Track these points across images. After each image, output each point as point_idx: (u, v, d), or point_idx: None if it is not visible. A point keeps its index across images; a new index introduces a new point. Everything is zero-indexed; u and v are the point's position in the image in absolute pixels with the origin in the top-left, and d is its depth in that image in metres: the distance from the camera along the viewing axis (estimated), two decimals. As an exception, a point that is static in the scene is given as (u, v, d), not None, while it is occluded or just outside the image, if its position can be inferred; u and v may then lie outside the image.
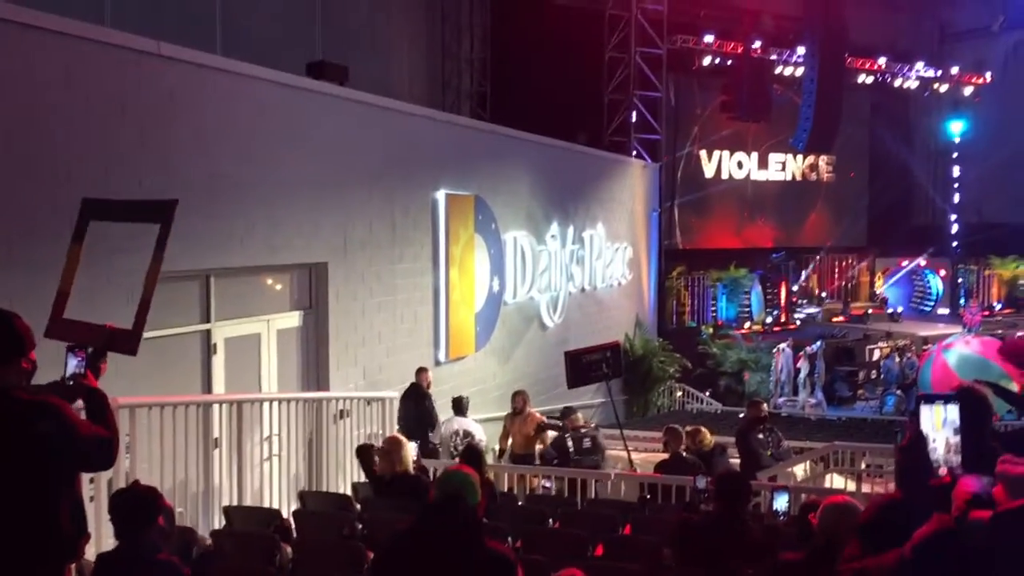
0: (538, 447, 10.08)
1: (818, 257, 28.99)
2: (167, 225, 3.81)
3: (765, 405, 10.05)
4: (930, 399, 1.55)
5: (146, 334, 7.61)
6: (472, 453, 6.78)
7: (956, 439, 1.52)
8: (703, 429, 9.24)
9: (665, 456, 8.84)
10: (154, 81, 7.64)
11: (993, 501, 1.32)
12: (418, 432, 9.83)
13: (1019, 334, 22.26)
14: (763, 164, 28.15)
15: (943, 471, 1.47)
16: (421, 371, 10.81)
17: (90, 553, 4.62)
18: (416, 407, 10.33)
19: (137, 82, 7.48)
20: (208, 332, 8.66)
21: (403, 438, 6.81)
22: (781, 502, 5.24)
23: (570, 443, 9.31)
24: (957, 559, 1.24)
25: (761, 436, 9.17)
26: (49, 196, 6.54)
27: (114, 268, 6.56)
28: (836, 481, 10.17)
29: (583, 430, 9.52)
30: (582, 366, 9.87)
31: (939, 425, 1.54)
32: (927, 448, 1.50)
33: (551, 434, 9.97)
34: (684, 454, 8.59)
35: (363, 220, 10.75)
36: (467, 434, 10.14)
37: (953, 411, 1.53)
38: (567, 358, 10.03)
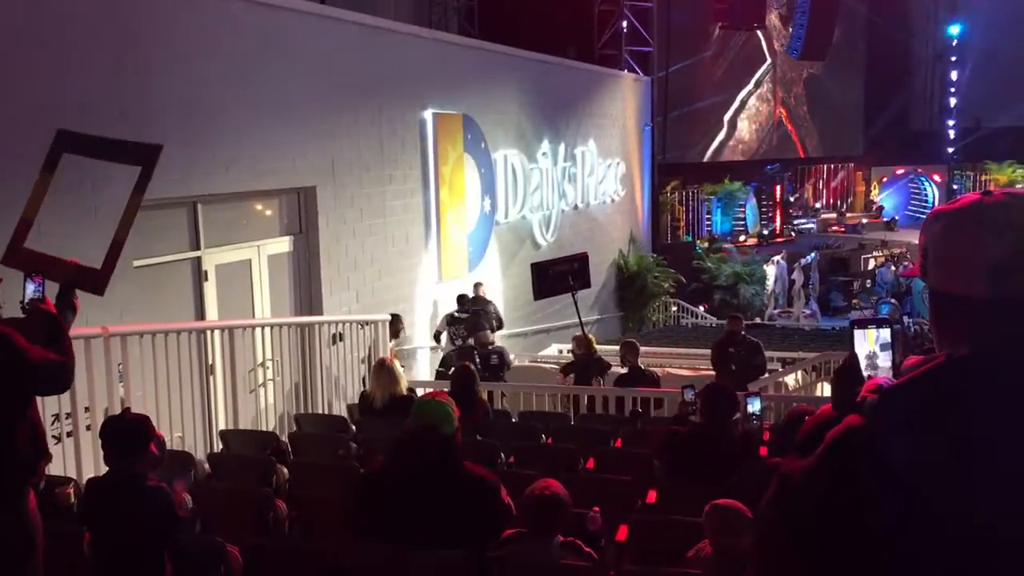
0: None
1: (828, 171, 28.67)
2: (149, 170, 3.78)
3: (743, 320, 10.20)
4: (863, 324, 1.64)
5: (137, 263, 7.66)
6: (465, 374, 6.83)
7: (883, 354, 1.60)
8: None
9: (623, 371, 9.13)
10: (129, 3, 7.46)
11: None
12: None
13: None
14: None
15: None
16: (478, 285, 11.61)
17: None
18: (479, 314, 10.95)
19: (111, 5, 7.30)
20: (198, 259, 8.65)
21: (395, 361, 6.87)
22: (755, 406, 5.34)
23: (477, 359, 9.31)
24: (862, 446, 1.29)
25: (732, 350, 9.39)
26: (23, 124, 6.44)
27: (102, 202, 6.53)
28: (827, 390, 10.30)
29: (490, 347, 9.56)
30: (548, 277, 9.87)
31: (872, 342, 1.61)
32: (860, 370, 1.57)
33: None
34: (642, 367, 8.98)
35: (350, 142, 10.64)
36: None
37: (885, 332, 1.61)
38: (533, 270, 10.00)
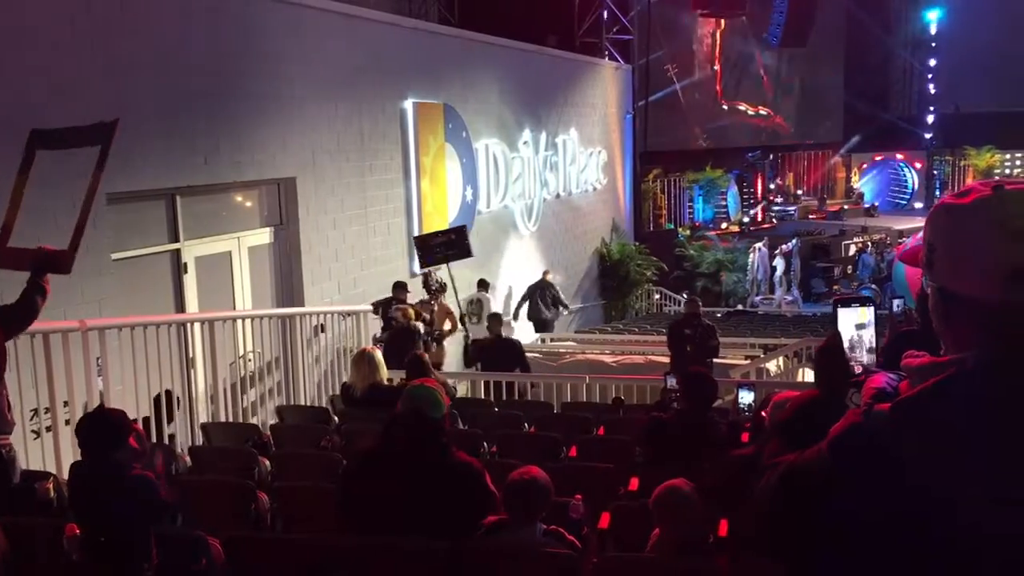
0: None
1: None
2: (107, 146, 3.78)
3: (700, 303, 10.56)
4: (846, 302, 1.63)
5: (115, 255, 7.60)
6: (416, 362, 6.76)
7: (867, 332, 1.60)
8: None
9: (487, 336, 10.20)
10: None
11: (898, 394, 1.34)
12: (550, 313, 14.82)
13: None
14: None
15: (857, 368, 1.53)
16: (546, 272, 15.17)
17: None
18: (544, 296, 14.77)
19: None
20: (178, 252, 8.59)
21: (376, 350, 6.85)
22: (747, 398, 5.34)
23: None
24: (870, 450, 1.27)
25: (688, 331, 9.57)
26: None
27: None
28: (808, 376, 10.36)
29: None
30: (429, 247, 10.59)
31: (862, 320, 1.62)
32: (843, 349, 1.56)
33: None
34: (503, 335, 10.07)
35: (330, 133, 10.58)
36: (479, 300, 13.18)
37: (867, 312, 1.61)
38: (416, 242, 10.87)
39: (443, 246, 10.60)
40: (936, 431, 1.23)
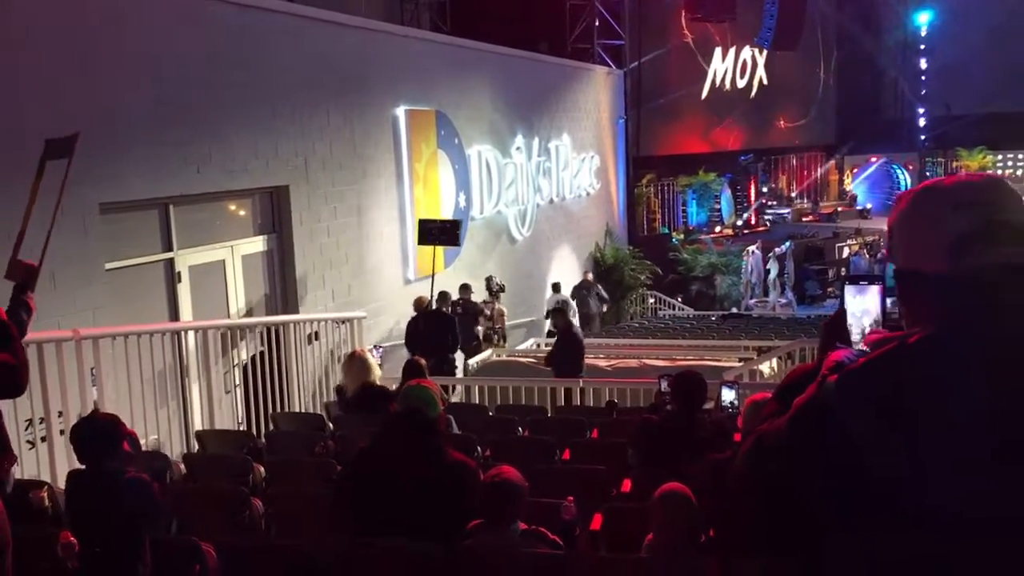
0: None
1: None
2: (71, 159, 3.85)
3: (565, 315, 11.33)
4: (854, 280, 1.67)
5: (108, 265, 7.62)
6: (413, 367, 6.80)
7: (871, 312, 1.63)
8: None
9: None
10: (98, 2, 7.40)
11: None
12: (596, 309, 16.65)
13: None
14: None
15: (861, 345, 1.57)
16: (586, 272, 17.40)
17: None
18: (587, 297, 16.53)
19: (80, 4, 7.25)
20: (171, 261, 8.61)
21: (366, 352, 6.87)
22: (728, 395, 5.36)
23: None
24: (820, 420, 1.32)
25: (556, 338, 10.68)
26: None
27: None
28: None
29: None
30: (426, 230, 11.52)
31: (869, 298, 1.65)
32: (847, 324, 1.60)
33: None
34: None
35: (322, 140, 10.61)
36: (560, 300, 14.93)
37: (874, 290, 1.65)
38: (419, 224, 11.67)
39: (438, 231, 11.41)
40: (876, 399, 1.27)
